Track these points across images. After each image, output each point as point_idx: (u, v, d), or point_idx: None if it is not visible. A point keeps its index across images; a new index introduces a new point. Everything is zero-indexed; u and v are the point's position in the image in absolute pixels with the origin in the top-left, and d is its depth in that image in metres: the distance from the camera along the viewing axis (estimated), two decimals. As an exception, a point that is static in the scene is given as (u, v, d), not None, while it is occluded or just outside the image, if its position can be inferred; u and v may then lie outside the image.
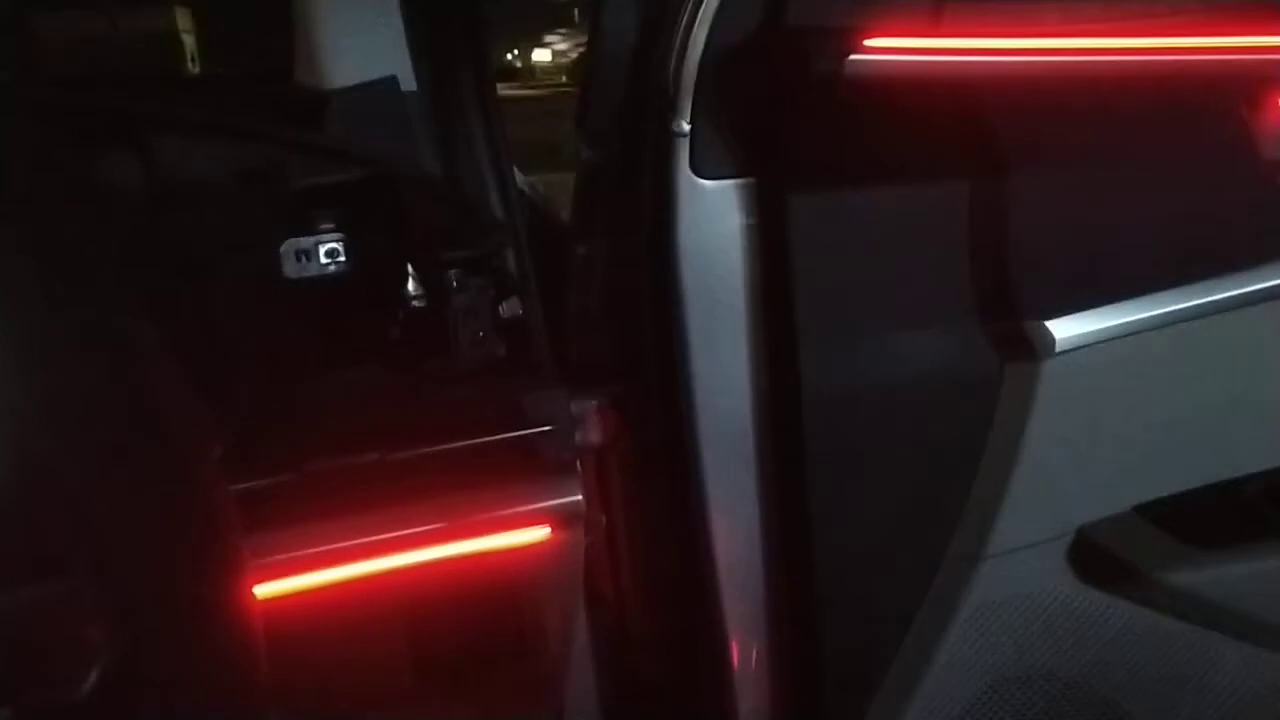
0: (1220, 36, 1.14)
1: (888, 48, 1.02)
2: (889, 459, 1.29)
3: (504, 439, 1.07)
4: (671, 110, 1.17)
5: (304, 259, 1.12)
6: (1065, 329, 1.22)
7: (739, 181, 1.20)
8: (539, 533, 1.10)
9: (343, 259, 1.13)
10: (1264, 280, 1.23)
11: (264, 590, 0.99)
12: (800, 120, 1.13)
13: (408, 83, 1.25)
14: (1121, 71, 1.12)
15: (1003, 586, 1.32)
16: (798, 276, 1.21)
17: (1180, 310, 1.23)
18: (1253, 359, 1.29)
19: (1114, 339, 1.24)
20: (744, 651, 1.37)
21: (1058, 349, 1.22)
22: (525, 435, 1.08)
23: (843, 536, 1.31)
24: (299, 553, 1.03)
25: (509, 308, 1.08)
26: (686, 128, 1.17)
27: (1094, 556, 1.31)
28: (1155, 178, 1.22)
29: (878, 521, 1.31)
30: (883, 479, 1.30)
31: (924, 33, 1.09)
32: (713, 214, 1.21)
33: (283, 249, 1.12)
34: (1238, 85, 1.25)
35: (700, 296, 1.24)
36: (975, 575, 1.31)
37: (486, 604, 1.16)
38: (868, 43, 1.01)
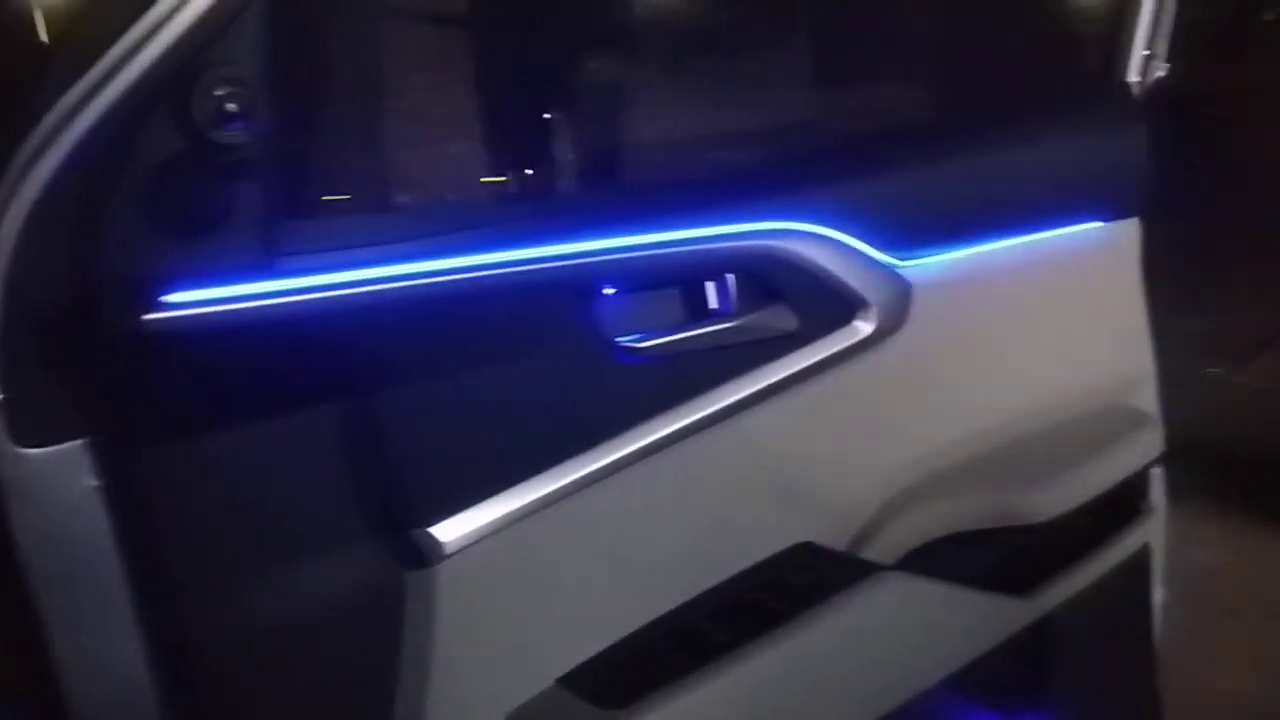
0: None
1: (188, 302, 1.01)
2: (305, 693, 1.24)
3: None
4: None
5: None
6: (451, 531, 1.27)
7: (74, 444, 1.11)
8: None
9: None
10: (609, 456, 1.37)
11: None
12: (124, 376, 1.08)
13: None
14: (445, 291, 1.20)
15: None
16: (163, 531, 1.14)
17: (548, 494, 1.33)
18: (622, 523, 1.43)
19: (500, 530, 1.31)
20: None
21: (447, 551, 1.27)
22: None
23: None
24: None
25: None
26: None
27: (524, 738, 1.35)
28: (506, 374, 1.32)
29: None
30: (304, 716, 1.25)
31: (240, 277, 1.09)
32: (49, 483, 1.10)
33: None
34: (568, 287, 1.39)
35: (54, 573, 1.12)
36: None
37: None
38: (166, 299, 1.00)
